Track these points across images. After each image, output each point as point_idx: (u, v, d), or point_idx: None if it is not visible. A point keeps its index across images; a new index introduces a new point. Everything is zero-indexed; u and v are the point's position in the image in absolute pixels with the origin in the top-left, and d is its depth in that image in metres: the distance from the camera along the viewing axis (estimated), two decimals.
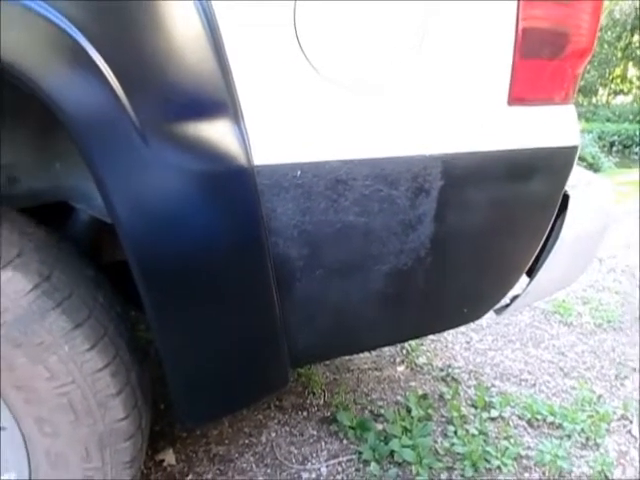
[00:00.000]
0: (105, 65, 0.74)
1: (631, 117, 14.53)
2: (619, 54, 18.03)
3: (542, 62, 0.99)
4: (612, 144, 11.97)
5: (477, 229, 1.04)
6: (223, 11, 0.80)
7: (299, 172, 0.86)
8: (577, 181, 1.17)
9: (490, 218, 1.04)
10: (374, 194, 0.92)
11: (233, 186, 0.84)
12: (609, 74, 18.44)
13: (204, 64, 0.80)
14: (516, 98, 0.98)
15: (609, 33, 17.43)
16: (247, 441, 1.56)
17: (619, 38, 17.66)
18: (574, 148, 1.07)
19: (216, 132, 0.82)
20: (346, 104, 0.88)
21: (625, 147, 11.97)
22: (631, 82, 18.94)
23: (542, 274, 1.17)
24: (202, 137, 0.81)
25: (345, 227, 0.92)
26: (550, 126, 1.04)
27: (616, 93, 19.22)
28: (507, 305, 1.26)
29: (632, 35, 17.65)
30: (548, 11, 0.98)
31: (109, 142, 0.77)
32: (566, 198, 1.12)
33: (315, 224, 0.90)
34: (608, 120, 14.40)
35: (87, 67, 0.74)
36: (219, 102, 0.82)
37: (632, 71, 18.75)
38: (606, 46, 17.60)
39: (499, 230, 1.07)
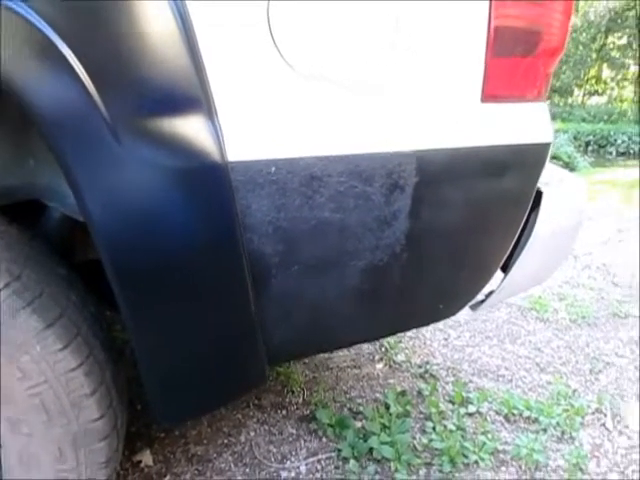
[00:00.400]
0: (76, 60, 0.73)
1: (606, 117, 14.78)
2: (594, 55, 18.34)
3: (514, 60, 1.01)
4: (587, 144, 12.16)
5: (451, 225, 1.05)
6: (196, 6, 0.79)
7: (273, 168, 0.86)
8: (550, 178, 1.19)
9: (464, 214, 1.05)
10: (349, 190, 0.92)
11: (207, 183, 0.84)
12: (584, 75, 18.74)
13: (177, 60, 0.79)
14: (489, 95, 0.99)
15: (584, 35, 17.72)
16: (226, 441, 1.56)
17: (594, 40, 17.95)
18: (547, 145, 1.08)
19: (189, 128, 0.81)
20: (320, 100, 0.88)
21: (600, 147, 12.18)
22: (606, 83, 19.28)
23: (516, 270, 1.18)
24: (175, 133, 0.80)
25: (320, 223, 0.92)
26: (523, 123, 1.05)
27: (591, 94, 19.55)
28: (482, 301, 1.28)
29: (606, 37, 17.96)
30: (520, 10, 0.99)
31: (80, 139, 0.76)
32: (539, 195, 1.14)
33: (290, 220, 0.90)
34: (583, 120, 14.63)
35: (57, 62, 0.73)
36: (192, 98, 0.81)
37: (606, 72, 19.09)
38: (581, 47, 17.89)
39: (473, 226, 1.08)
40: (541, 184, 1.13)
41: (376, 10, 0.88)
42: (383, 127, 0.92)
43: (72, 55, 0.73)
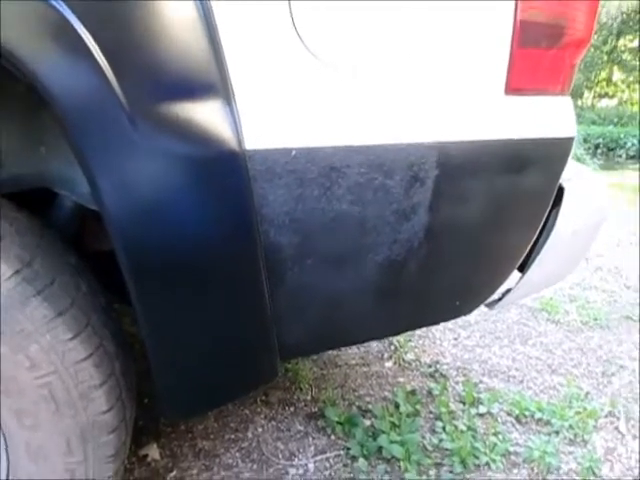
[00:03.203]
0: (94, 44, 0.71)
1: (616, 120, 14.65)
2: (605, 58, 18.21)
3: (540, 51, 0.98)
4: (597, 146, 12.05)
5: (471, 220, 1.02)
6: None
7: (292, 158, 0.84)
8: (572, 174, 1.16)
9: (485, 209, 1.02)
10: (368, 182, 0.90)
11: (224, 171, 0.82)
12: (595, 77, 18.61)
13: (196, 45, 0.77)
14: (513, 88, 0.97)
15: (595, 37, 17.60)
16: (233, 436, 1.54)
17: (605, 42, 17.82)
18: (570, 139, 1.05)
19: (207, 116, 0.79)
20: (341, 89, 0.86)
21: (609, 150, 12.07)
22: (616, 85, 19.13)
23: (535, 269, 1.15)
24: (193, 121, 0.78)
25: (338, 216, 0.90)
26: (546, 117, 1.02)
27: (601, 96, 19.40)
28: (499, 299, 1.25)
29: (617, 39, 17.83)
30: (546, 0, 0.97)
31: (96, 125, 0.74)
32: (561, 191, 1.11)
33: (307, 212, 0.88)
34: (593, 123, 14.51)
35: (75, 45, 0.71)
36: (210, 84, 0.79)
37: (617, 75, 18.95)
38: (592, 49, 17.75)
39: (493, 222, 1.06)
40: (563, 180, 1.11)
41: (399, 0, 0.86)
42: (405, 118, 0.90)
43: (89, 36, 0.70)
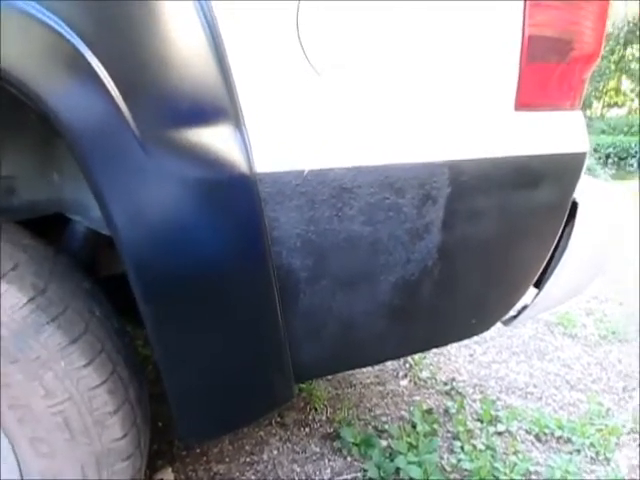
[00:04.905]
0: (104, 72, 0.72)
1: (626, 129, 14.56)
2: (613, 67, 18.17)
3: (549, 67, 0.98)
4: (608, 156, 11.98)
5: (485, 238, 1.01)
6: (225, 16, 0.78)
7: (302, 180, 0.84)
8: (585, 188, 1.15)
9: (498, 226, 1.01)
10: (380, 202, 0.89)
11: (235, 195, 0.82)
12: (603, 87, 18.56)
13: (205, 70, 0.78)
14: (523, 103, 0.96)
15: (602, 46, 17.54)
16: (248, 459, 1.52)
17: (612, 51, 17.78)
18: (583, 154, 1.05)
19: (217, 140, 0.79)
20: (350, 110, 0.86)
21: (620, 159, 11.99)
22: (625, 95, 19.05)
23: (551, 284, 1.14)
24: (203, 145, 0.78)
25: (350, 236, 0.89)
26: (558, 132, 1.02)
27: (610, 106, 19.32)
28: (515, 316, 1.23)
29: (625, 48, 17.80)
30: (554, 15, 0.97)
31: (108, 151, 0.75)
32: (575, 206, 1.10)
33: (319, 233, 0.87)
34: (603, 132, 14.43)
35: (86, 74, 0.71)
36: (220, 109, 0.80)
37: (626, 84, 18.88)
38: (599, 59, 17.71)
39: (507, 239, 1.05)
40: (576, 194, 1.09)
41: (408, 18, 0.86)
42: (415, 137, 0.90)
43: (100, 66, 0.71)
